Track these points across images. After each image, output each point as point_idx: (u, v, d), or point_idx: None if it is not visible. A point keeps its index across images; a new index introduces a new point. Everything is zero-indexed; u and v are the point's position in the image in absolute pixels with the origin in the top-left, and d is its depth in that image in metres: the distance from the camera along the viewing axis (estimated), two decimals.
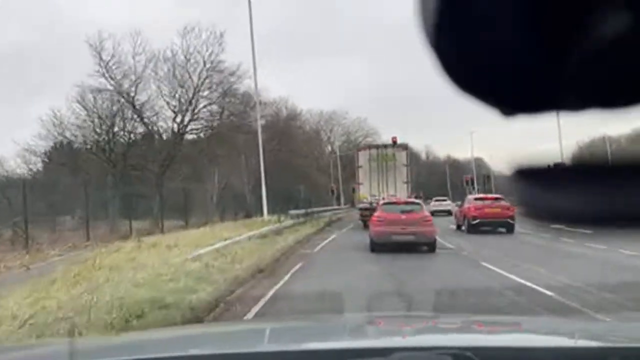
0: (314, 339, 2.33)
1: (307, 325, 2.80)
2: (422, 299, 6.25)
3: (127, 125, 26.09)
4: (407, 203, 16.23)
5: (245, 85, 30.28)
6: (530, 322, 3.29)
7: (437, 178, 64.95)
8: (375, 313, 3.88)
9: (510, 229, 18.46)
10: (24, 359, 2.09)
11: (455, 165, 69.88)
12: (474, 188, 43.93)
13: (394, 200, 18.25)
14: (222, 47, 28.36)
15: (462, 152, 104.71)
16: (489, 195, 21.93)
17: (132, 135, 25.23)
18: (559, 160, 0.61)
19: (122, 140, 26.50)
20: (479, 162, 61.57)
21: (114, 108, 25.56)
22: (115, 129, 25.49)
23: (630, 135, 52.88)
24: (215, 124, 30.66)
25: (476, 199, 20.94)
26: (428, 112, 79.82)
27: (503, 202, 18.61)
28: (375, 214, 15.17)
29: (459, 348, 1.57)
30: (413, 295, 6.82)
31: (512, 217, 17.89)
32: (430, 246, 13.86)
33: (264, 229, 18.82)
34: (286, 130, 47.12)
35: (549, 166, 0.59)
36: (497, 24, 0.48)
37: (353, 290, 6.82)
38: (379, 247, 13.90)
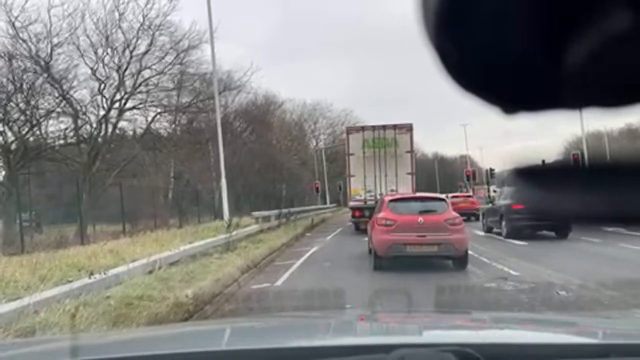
0: (314, 335, 2.29)
1: (308, 322, 2.79)
2: None
3: (42, 100, 19.31)
4: (426, 199, 11.08)
5: (204, 56, 23.57)
6: (531, 319, 3.44)
7: (426, 175, 64.16)
8: (376, 310, 3.73)
9: (476, 218, 23.31)
10: (26, 355, 2.03)
11: (443, 162, 72.71)
12: (470, 183, 43.71)
13: (407, 195, 12.97)
14: (173, 4, 21.57)
15: (448, 150, 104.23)
16: (462, 194, 31.92)
17: (34, 113, 18.23)
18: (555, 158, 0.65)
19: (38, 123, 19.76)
20: (465, 160, 62.09)
21: (24, 77, 18.87)
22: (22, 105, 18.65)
23: (627, 131, 51.80)
24: (164, 101, 23.77)
25: (453, 196, 25.43)
26: (415, 110, 77.28)
27: (471, 199, 28.31)
28: (380, 215, 10.43)
29: (460, 344, 1.56)
30: None
31: (477, 209, 24.59)
32: (459, 261, 9.77)
33: (209, 241, 12.31)
34: (264, 118, 40.76)
35: (543, 162, 0.60)
36: (498, 22, 0.49)
37: None
38: (386, 263, 9.72)
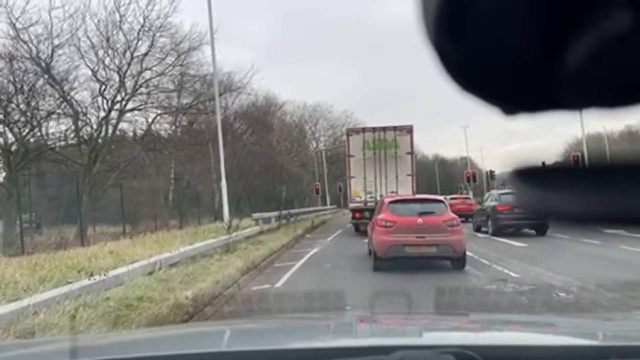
0: (314, 337, 2.29)
1: (308, 324, 2.77)
2: None
3: (42, 101, 19.30)
4: (425, 201, 11.18)
5: (204, 57, 23.55)
6: (531, 320, 3.48)
7: (427, 176, 64.29)
8: (376, 311, 3.60)
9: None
10: (25, 357, 2.02)
11: (443, 164, 73.38)
12: (470, 185, 43.26)
13: (406, 197, 13.13)
14: (173, 5, 21.56)
15: (449, 151, 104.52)
16: (460, 196, 33.75)
17: (34, 114, 18.24)
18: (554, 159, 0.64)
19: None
20: (466, 161, 62.62)
21: (25, 79, 18.89)
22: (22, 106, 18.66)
23: (627, 133, 51.77)
24: (165, 103, 23.76)
25: (451, 198, 26.73)
26: (415, 111, 77.39)
27: (468, 201, 28.94)
28: (379, 216, 10.52)
29: (460, 346, 1.55)
30: None
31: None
32: (458, 262, 9.84)
33: (209, 242, 12.30)
34: (264, 120, 40.74)
35: (543, 163, 0.59)
36: (498, 23, 0.49)
37: None
38: (386, 264, 9.79)
